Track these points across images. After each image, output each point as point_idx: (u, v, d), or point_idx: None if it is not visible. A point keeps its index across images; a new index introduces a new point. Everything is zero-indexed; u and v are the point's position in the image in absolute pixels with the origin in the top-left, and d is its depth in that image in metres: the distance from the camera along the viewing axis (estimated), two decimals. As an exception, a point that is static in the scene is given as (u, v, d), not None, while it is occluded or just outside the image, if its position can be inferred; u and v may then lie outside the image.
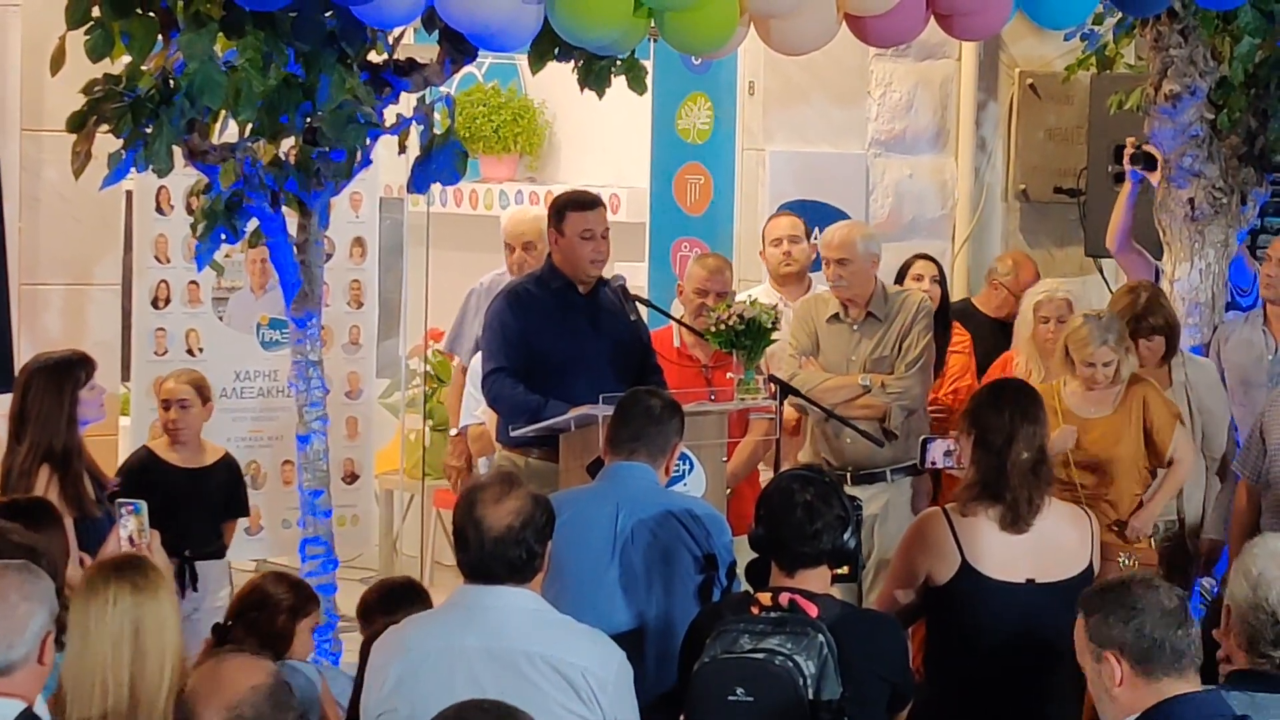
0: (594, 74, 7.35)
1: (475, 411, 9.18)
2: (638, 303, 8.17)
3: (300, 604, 6.00)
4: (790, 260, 9.18)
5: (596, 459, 6.50)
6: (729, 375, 8.02)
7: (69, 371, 7.17)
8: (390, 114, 7.28)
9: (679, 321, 8.60)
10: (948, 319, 8.98)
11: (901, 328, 8.39)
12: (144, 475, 7.74)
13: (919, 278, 9.05)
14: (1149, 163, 8.63)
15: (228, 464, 8.23)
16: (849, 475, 8.20)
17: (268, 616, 5.92)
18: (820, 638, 5.27)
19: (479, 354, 8.58)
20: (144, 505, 6.07)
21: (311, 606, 6.05)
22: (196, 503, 7.93)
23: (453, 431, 9.59)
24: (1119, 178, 9.10)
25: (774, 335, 8.04)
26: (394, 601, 6.02)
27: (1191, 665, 4.61)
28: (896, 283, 8.96)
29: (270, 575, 6.18)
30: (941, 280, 9.18)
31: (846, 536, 5.50)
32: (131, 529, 6.02)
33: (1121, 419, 7.69)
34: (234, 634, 5.85)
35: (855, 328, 8.45)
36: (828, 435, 8.37)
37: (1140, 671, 4.56)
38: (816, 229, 9.46)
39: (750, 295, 8.75)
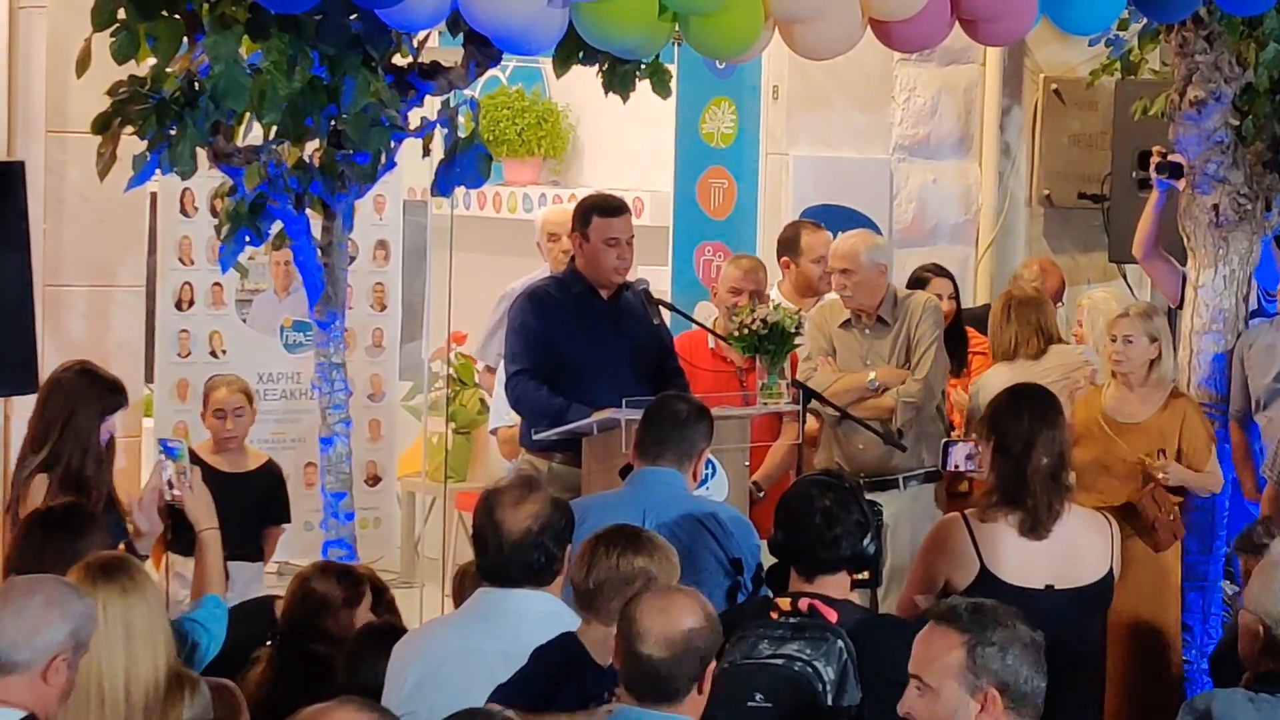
0: (618, 78, 7.35)
1: (505, 415, 9.18)
2: (661, 306, 8.17)
3: (352, 594, 5.87)
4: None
5: (628, 464, 6.50)
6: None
7: (104, 397, 6.97)
8: (414, 117, 7.28)
9: (701, 325, 8.58)
10: (962, 331, 8.97)
11: (909, 328, 8.36)
12: None
13: (938, 296, 8.97)
14: (1175, 171, 8.60)
15: (269, 470, 8.29)
16: (862, 482, 8.14)
17: (331, 616, 5.80)
18: (839, 643, 5.26)
19: None
20: (184, 445, 6.01)
21: (363, 589, 5.91)
22: (234, 507, 7.89)
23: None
24: (1143, 183, 9.07)
25: (797, 340, 8.03)
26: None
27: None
28: (911, 292, 8.88)
29: (315, 571, 6.01)
30: (956, 296, 9.17)
31: (866, 542, 5.48)
32: (170, 473, 5.97)
33: (1160, 425, 7.75)
34: (296, 638, 5.76)
35: (867, 333, 8.42)
36: (840, 440, 8.33)
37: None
38: (840, 233, 9.42)
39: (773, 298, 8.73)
